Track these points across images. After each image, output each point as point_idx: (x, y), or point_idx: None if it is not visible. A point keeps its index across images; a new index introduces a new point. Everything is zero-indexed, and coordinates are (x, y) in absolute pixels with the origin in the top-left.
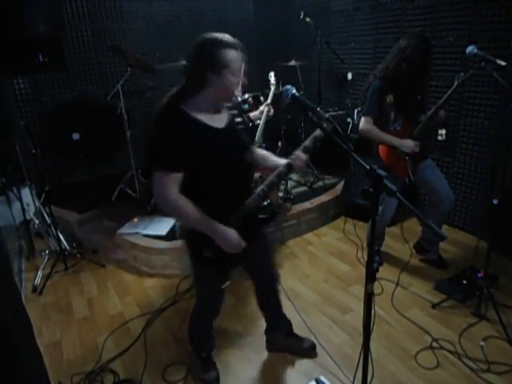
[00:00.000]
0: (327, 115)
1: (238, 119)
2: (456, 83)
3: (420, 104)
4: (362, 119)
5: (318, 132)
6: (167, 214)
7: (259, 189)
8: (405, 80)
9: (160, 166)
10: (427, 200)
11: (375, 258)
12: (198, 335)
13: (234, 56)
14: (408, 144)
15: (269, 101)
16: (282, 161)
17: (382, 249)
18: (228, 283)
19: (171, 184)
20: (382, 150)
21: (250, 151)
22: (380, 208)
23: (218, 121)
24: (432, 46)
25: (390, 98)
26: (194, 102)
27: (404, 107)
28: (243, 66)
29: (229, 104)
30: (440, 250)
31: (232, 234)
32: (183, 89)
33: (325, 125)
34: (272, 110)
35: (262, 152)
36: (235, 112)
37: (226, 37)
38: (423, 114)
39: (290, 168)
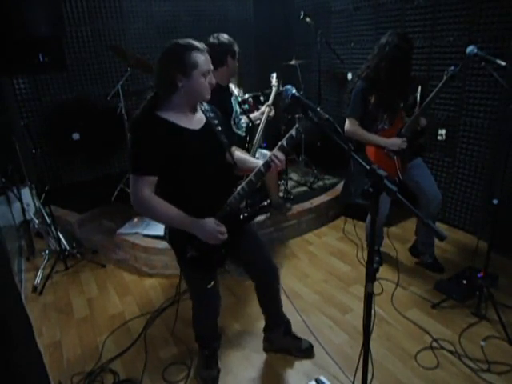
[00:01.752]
0: (327, 115)
1: (216, 121)
2: (445, 78)
3: (407, 102)
4: (347, 121)
5: (294, 131)
6: (143, 215)
7: (239, 188)
8: (385, 79)
9: (134, 170)
10: (417, 201)
11: (375, 259)
12: (201, 335)
13: (201, 58)
14: (394, 142)
15: (270, 102)
16: (261, 162)
17: (382, 249)
18: (213, 283)
19: (145, 186)
20: (369, 150)
21: (229, 152)
22: None
23: (195, 123)
24: (412, 45)
25: (373, 98)
26: (168, 105)
27: (389, 106)
28: (211, 68)
29: (206, 107)
30: (440, 250)
31: (209, 224)
32: (156, 95)
33: (298, 125)
34: (273, 111)
35: (241, 154)
36: (212, 115)
37: (192, 41)
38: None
39: (267, 167)
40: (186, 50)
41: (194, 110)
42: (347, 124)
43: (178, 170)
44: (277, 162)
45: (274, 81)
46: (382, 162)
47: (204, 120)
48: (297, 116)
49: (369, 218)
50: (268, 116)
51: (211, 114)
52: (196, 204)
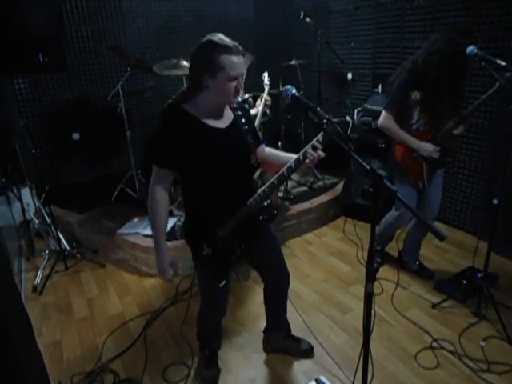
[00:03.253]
0: (327, 115)
1: (244, 120)
2: (497, 85)
3: (452, 107)
4: (383, 114)
5: (320, 137)
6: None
7: (260, 190)
8: (434, 76)
9: (154, 160)
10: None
11: (377, 259)
12: (203, 334)
13: (231, 60)
14: (427, 148)
15: (265, 95)
16: (293, 156)
17: None
18: (224, 282)
19: (158, 179)
20: (398, 148)
21: (254, 151)
22: (396, 213)
23: (221, 121)
24: (471, 41)
25: (415, 95)
26: (195, 102)
27: (431, 107)
28: (243, 70)
29: (235, 105)
30: (440, 250)
31: (166, 258)
32: (187, 89)
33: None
34: (269, 100)
35: (272, 150)
36: (240, 113)
37: (226, 41)
38: (454, 118)
39: (298, 163)
40: (216, 49)
41: (221, 111)
42: (382, 117)
43: (197, 166)
44: (314, 154)
45: (266, 80)
46: (408, 163)
47: (232, 118)
48: (327, 116)
49: (389, 214)
50: (265, 106)
51: (239, 112)
52: (215, 202)
